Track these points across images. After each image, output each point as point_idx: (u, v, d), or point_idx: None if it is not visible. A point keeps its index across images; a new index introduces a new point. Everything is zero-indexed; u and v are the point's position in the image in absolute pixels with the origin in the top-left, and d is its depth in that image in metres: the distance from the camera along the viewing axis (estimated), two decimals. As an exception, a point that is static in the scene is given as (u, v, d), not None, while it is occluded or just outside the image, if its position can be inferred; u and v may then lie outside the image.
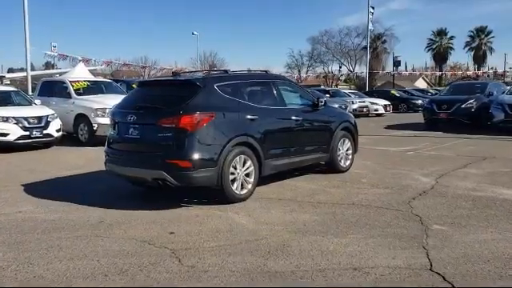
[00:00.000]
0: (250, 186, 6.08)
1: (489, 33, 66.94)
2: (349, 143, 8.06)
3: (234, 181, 5.86)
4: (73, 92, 13.32)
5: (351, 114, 8.36)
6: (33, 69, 43.52)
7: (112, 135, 6.24)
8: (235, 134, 5.87)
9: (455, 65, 68.77)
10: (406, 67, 57.84)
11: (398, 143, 12.30)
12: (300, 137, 7.02)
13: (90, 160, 9.49)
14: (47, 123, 11.83)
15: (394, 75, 47.28)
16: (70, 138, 13.07)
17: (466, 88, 17.42)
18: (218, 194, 5.86)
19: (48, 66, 49.99)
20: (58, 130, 12.16)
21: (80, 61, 24.09)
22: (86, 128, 12.48)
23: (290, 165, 6.92)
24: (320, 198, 6.16)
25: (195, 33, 49.28)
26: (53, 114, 12.13)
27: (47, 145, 12.04)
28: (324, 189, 6.74)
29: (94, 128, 12.18)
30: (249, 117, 6.13)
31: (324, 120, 7.58)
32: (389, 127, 17.38)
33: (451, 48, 68.53)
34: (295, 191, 6.61)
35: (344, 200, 6.06)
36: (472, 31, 67.92)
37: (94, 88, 14.05)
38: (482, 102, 15.59)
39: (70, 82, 13.72)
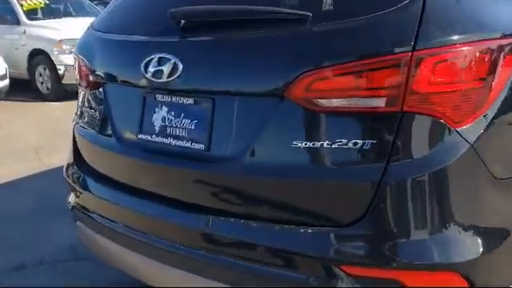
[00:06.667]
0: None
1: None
2: None
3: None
4: (22, 15, 8.78)
5: None
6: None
7: (86, 131, 1.78)
8: None
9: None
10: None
11: None
12: None
13: (52, 133, 5.13)
14: (-20, 66, 7.56)
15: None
16: (25, 87, 8.55)
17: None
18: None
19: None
20: (1, 77, 7.73)
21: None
22: (48, 72, 8.21)
23: None
24: None
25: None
26: (-9, 52, 7.86)
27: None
28: None
29: (60, 72, 7.97)
30: None
31: None
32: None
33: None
34: None
35: None
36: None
37: (55, 9, 9.68)
38: None
39: (18, -1, 9.20)
